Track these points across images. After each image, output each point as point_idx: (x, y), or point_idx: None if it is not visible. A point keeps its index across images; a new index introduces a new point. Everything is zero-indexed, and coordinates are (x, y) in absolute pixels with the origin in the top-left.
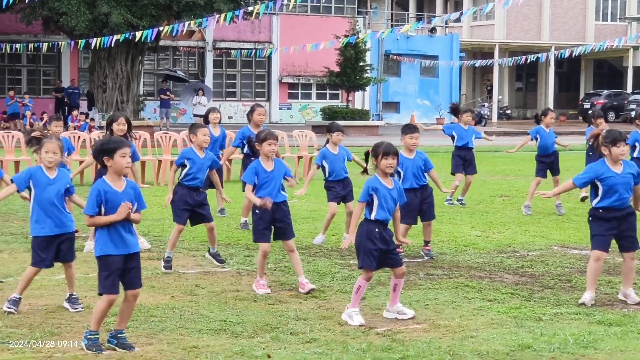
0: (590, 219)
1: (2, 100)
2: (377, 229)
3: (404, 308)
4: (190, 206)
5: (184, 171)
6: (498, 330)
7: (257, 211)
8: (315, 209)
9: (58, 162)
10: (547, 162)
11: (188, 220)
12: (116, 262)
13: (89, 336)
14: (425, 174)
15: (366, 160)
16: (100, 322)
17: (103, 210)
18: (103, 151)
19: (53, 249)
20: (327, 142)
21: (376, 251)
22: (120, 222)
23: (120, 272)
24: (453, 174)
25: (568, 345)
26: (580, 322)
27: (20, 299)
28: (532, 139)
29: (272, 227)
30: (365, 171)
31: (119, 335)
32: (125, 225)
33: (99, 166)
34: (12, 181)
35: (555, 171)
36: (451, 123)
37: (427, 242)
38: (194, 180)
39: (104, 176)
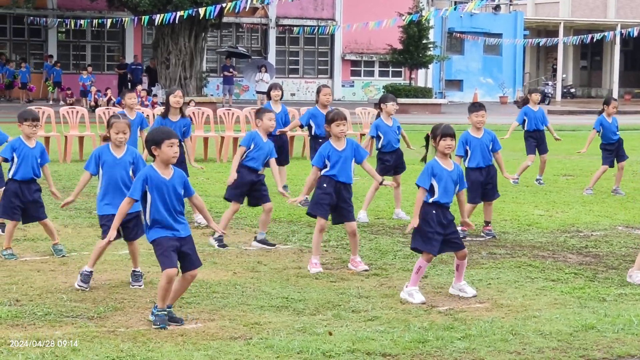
0: None
1: (68, 76)
2: (434, 212)
3: (467, 287)
4: (247, 186)
5: (246, 152)
6: (561, 311)
7: (325, 185)
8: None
9: (126, 140)
10: (612, 150)
11: (245, 200)
12: (170, 240)
13: (156, 312)
14: (492, 154)
15: (426, 145)
16: (164, 298)
17: (149, 196)
18: (151, 141)
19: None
20: (379, 113)
21: (435, 234)
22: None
23: (177, 250)
24: (528, 154)
25: (632, 326)
26: None
27: (91, 272)
28: (597, 132)
29: (335, 206)
30: (424, 159)
31: (168, 308)
32: (172, 213)
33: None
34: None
35: (621, 157)
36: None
37: (487, 223)
38: (254, 162)
39: (152, 163)
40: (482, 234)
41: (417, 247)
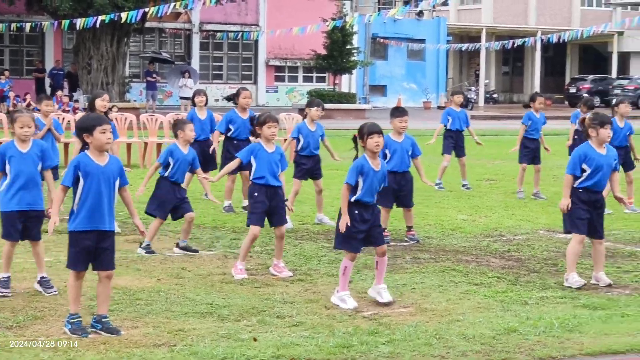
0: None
1: None
2: (356, 211)
3: (385, 292)
4: (172, 202)
5: (169, 169)
6: (484, 314)
7: (256, 194)
8: (302, 191)
9: (32, 134)
10: (532, 148)
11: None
12: (87, 239)
13: (71, 320)
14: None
15: (355, 146)
16: (75, 300)
17: (82, 182)
18: (82, 128)
19: (19, 225)
20: (305, 116)
21: (358, 233)
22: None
23: (92, 251)
24: (444, 154)
25: (553, 328)
26: (566, 305)
27: (8, 277)
28: (526, 126)
29: (269, 211)
30: (356, 158)
31: (103, 319)
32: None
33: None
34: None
35: (537, 159)
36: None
37: (410, 228)
38: (177, 176)
39: (86, 151)
40: (405, 239)
41: (340, 248)
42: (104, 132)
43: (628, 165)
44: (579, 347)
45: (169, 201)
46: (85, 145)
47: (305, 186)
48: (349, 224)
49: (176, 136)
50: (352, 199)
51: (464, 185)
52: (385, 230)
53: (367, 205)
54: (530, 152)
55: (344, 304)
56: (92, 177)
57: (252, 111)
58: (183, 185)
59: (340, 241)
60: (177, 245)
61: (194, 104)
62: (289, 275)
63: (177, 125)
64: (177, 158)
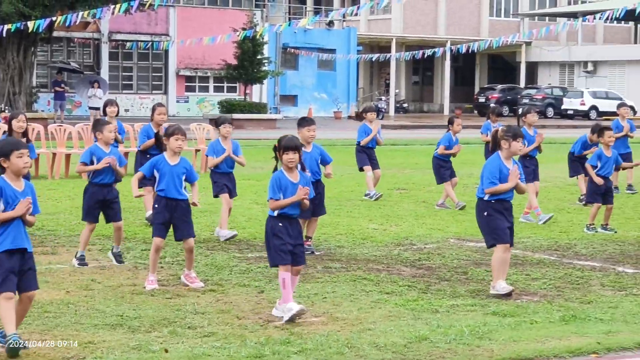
0: (485, 213)
1: None
2: (281, 224)
3: (294, 305)
4: (99, 205)
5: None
6: (395, 323)
7: (156, 205)
8: (213, 201)
9: None
10: (449, 166)
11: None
12: (11, 260)
13: None
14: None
15: (275, 157)
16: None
17: (2, 207)
18: None
19: None
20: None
21: (287, 245)
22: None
23: (17, 272)
24: (361, 168)
25: (464, 336)
26: (476, 313)
27: None
28: (445, 148)
29: (171, 223)
30: (275, 169)
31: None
32: (21, 226)
33: None
34: None
35: (454, 173)
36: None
37: (308, 238)
38: (103, 178)
39: (3, 175)
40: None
41: (275, 264)
42: (21, 157)
43: (534, 176)
44: (489, 354)
45: (96, 205)
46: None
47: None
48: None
49: (95, 138)
50: (275, 214)
51: (368, 195)
52: (309, 240)
53: (291, 219)
54: (449, 169)
55: (288, 313)
56: (12, 203)
57: (119, 121)
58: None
59: (273, 257)
60: (112, 250)
61: (105, 114)
62: (201, 285)
63: (95, 127)
64: (99, 158)
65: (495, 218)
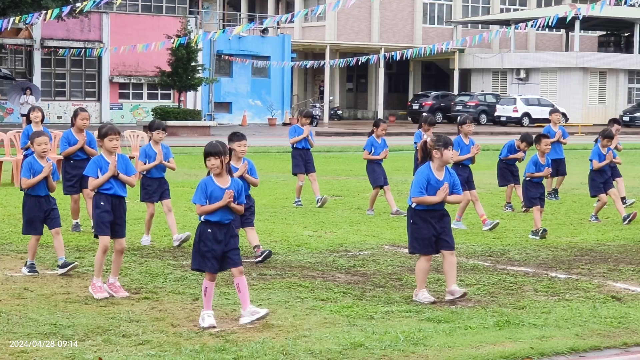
0: (411, 221)
1: None
2: (210, 230)
3: (256, 308)
4: (40, 216)
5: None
6: (331, 329)
7: (102, 203)
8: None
9: None
10: (381, 172)
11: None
12: None
13: None
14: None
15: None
16: None
17: None
18: None
19: None
20: (150, 139)
21: (212, 251)
22: None
23: None
24: (295, 174)
25: (399, 342)
26: (411, 319)
27: None
28: (369, 152)
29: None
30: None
31: None
32: None
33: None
34: None
35: (385, 180)
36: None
37: (257, 247)
38: (38, 190)
39: None
40: (252, 257)
41: (197, 268)
42: None
43: (470, 185)
44: None
45: (37, 216)
46: None
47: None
48: (194, 247)
49: (32, 151)
50: (203, 219)
51: (295, 203)
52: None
53: (220, 225)
54: (381, 174)
55: (202, 322)
56: None
57: (88, 132)
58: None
59: (197, 261)
60: (58, 265)
61: (29, 121)
62: (125, 295)
63: (31, 140)
64: (34, 171)
65: (421, 227)
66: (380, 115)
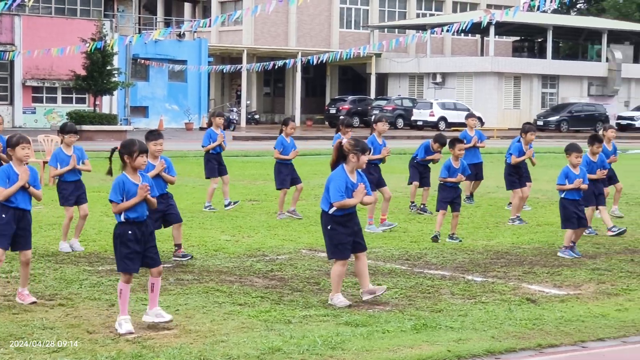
0: (329, 226)
1: None
2: (130, 231)
3: (162, 311)
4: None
5: None
6: (248, 334)
7: (3, 215)
8: (63, 214)
9: None
10: (287, 173)
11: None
12: None
13: None
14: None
15: (110, 157)
16: None
17: None
18: None
19: None
20: (61, 142)
21: (134, 253)
22: None
23: None
24: (209, 178)
25: (317, 346)
26: (329, 323)
27: None
28: (279, 151)
29: (14, 234)
30: (110, 172)
31: None
32: None
33: None
34: None
35: (296, 180)
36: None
37: (178, 246)
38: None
39: None
40: (174, 259)
41: (124, 270)
42: None
43: (380, 184)
44: None
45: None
46: None
47: (62, 210)
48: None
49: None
50: (123, 219)
51: (230, 204)
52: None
53: (139, 223)
54: (288, 175)
55: (119, 328)
56: None
57: (2, 136)
58: None
59: (123, 264)
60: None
61: None
62: (33, 301)
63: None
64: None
65: (339, 232)
66: (298, 120)
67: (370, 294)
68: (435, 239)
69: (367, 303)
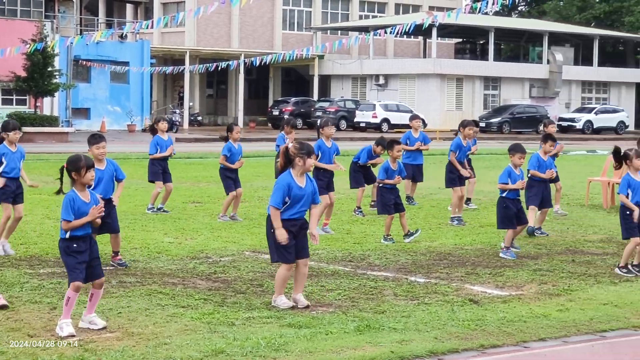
0: (272, 230)
1: None
2: (75, 245)
3: (97, 319)
4: None
5: None
6: (192, 336)
7: None
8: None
9: None
10: (233, 177)
11: None
12: None
13: None
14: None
15: (61, 178)
16: None
17: None
18: None
19: None
20: (2, 140)
21: (79, 264)
22: None
23: None
24: (152, 181)
25: (260, 348)
26: (272, 325)
27: None
28: (225, 157)
29: None
30: (59, 191)
31: None
32: None
33: None
34: None
35: (239, 183)
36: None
37: (116, 253)
38: None
39: None
40: (111, 264)
41: (71, 281)
42: None
43: (331, 187)
44: None
45: None
46: None
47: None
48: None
49: None
50: (68, 235)
51: (160, 209)
52: (117, 255)
53: (84, 238)
54: (233, 180)
55: (60, 331)
56: None
57: None
58: None
59: (75, 274)
60: None
61: None
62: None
63: None
64: None
65: (286, 237)
66: (241, 121)
67: (294, 301)
68: (388, 239)
69: (311, 305)
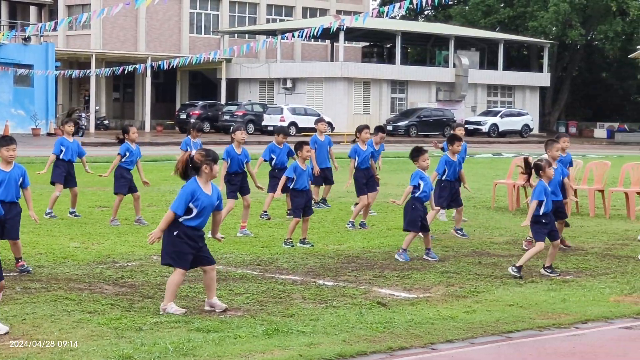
0: (175, 232)
1: None
2: None
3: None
4: None
5: None
6: (98, 342)
7: None
8: None
9: None
10: (130, 178)
11: None
12: None
13: None
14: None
15: None
16: None
17: None
18: None
19: None
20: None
21: None
22: None
23: None
24: (53, 183)
25: (168, 353)
26: (180, 330)
27: None
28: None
29: None
30: None
31: None
32: None
33: None
34: None
35: (135, 188)
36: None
37: (18, 259)
38: None
39: None
40: (16, 270)
41: None
42: None
43: (244, 190)
44: None
45: None
46: None
47: None
48: None
49: None
50: None
51: (71, 213)
52: (20, 261)
53: None
54: (127, 181)
55: None
56: None
57: None
58: None
59: None
60: None
61: None
62: None
63: None
64: None
65: (183, 242)
66: (148, 125)
67: (210, 306)
68: (288, 243)
69: (222, 311)
